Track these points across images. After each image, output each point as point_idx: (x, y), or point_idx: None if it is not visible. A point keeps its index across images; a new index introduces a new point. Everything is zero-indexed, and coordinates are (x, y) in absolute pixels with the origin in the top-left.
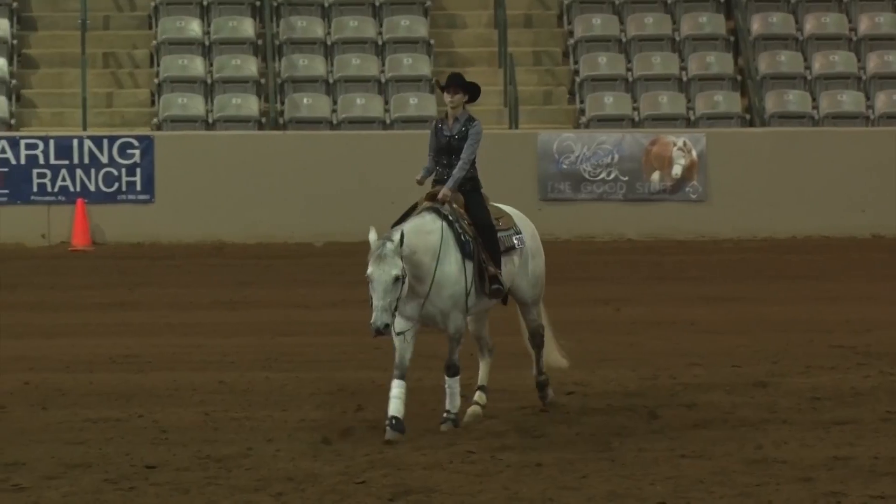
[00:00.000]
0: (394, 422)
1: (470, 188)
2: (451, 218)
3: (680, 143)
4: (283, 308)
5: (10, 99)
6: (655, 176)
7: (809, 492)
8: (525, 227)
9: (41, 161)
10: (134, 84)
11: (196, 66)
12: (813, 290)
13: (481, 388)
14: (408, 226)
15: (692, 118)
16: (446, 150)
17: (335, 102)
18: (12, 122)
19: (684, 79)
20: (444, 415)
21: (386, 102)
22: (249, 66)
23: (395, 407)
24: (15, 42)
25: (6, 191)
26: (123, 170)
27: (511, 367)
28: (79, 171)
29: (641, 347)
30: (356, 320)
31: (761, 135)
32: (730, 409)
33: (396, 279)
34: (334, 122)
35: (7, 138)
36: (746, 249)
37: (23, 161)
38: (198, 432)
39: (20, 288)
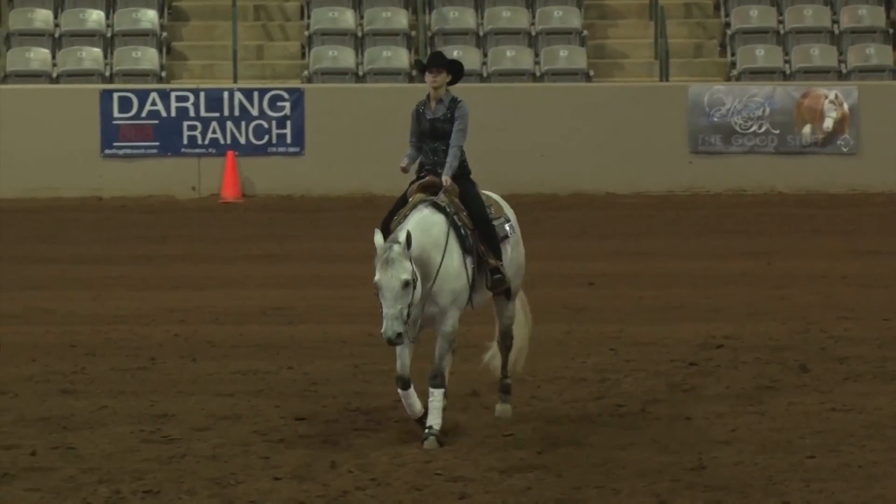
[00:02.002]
0: (431, 428)
1: (460, 174)
2: (449, 210)
3: (831, 96)
4: None
5: (160, 52)
6: (807, 129)
7: None
8: (511, 215)
9: (192, 114)
10: (284, 37)
11: (346, 18)
12: None
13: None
14: (411, 223)
15: (844, 71)
16: (430, 134)
17: (485, 55)
18: (163, 74)
19: (836, 31)
20: (427, 430)
21: (536, 55)
22: (400, 18)
23: (417, 409)
24: None
25: (157, 143)
26: (273, 122)
27: (657, 322)
28: (229, 124)
29: (792, 301)
30: None
31: None
32: (880, 363)
33: (406, 284)
34: (484, 74)
35: (158, 91)
36: None
37: (173, 114)
38: (347, 384)
39: (170, 240)
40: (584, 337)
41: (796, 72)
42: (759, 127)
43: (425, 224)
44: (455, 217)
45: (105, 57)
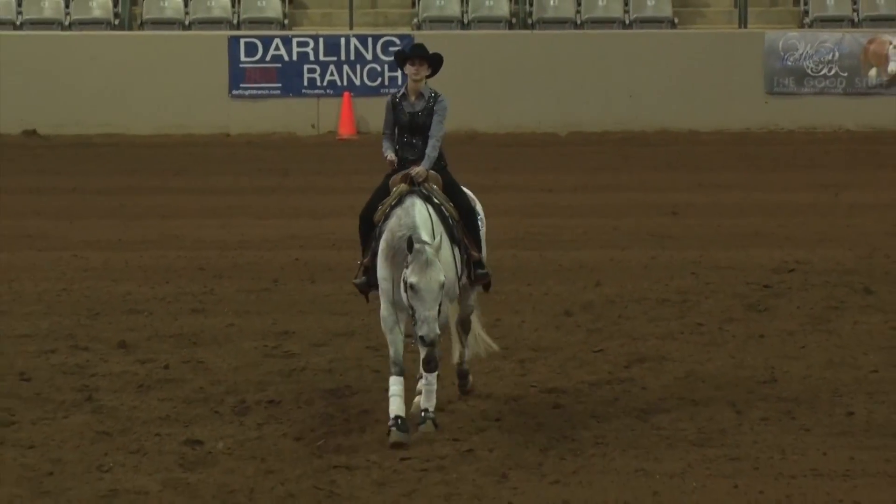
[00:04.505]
0: (399, 422)
1: (439, 167)
2: (436, 201)
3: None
4: (530, 192)
5: (283, 1)
6: (872, 72)
7: None
8: (480, 209)
9: (311, 58)
10: None
11: None
12: None
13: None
14: (417, 218)
15: None
16: (409, 127)
17: (579, 4)
18: (285, 21)
19: None
20: (423, 414)
21: (626, 3)
22: None
23: (397, 406)
24: None
25: (279, 85)
26: (386, 66)
27: (734, 248)
28: (345, 67)
29: (858, 229)
30: (599, 204)
31: None
32: None
33: (442, 285)
34: (578, 21)
35: (280, 37)
36: None
37: (295, 58)
38: None
39: (292, 173)
40: (667, 261)
41: (863, 19)
42: (829, 70)
43: (422, 215)
44: (442, 208)
45: (233, 5)
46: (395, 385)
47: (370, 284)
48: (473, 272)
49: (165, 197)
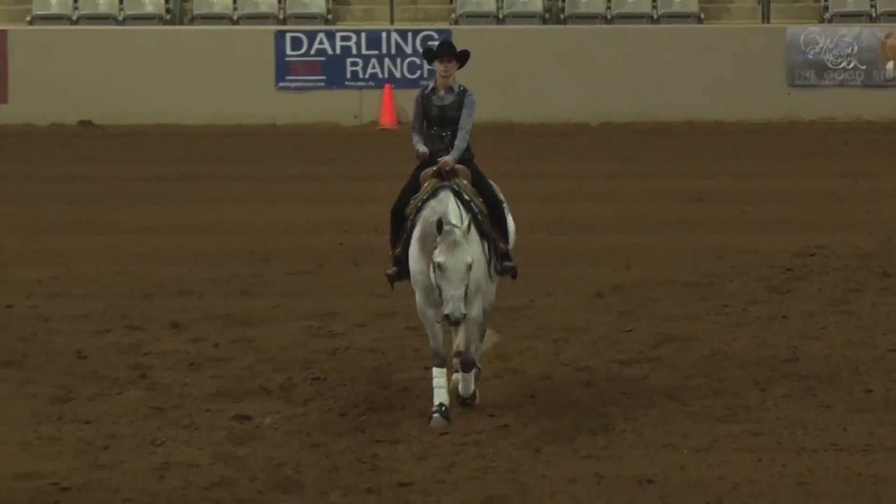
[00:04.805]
0: (442, 409)
1: (467, 159)
2: (466, 197)
3: None
4: (562, 179)
5: None
6: (889, 65)
7: None
8: (503, 196)
9: (354, 51)
10: None
11: None
12: None
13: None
14: (449, 206)
15: None
16: (439, 120)
17: (609, 0)
18: (329, 17)
19: None
20: (457, 399)
21: (654, 0)
22: None
23: (441, 395)
24: None
25: (324, 77)
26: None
27: (758, 233)
28: (386, 60)
29: (876, 214)
30: (628, 191)
31: None
32: None
33: (469, 267)
34: (608, 17)
35: (325, 31)
36: None
37: (338, 51)
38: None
39: (335, 161)
40: (694, 246)
41: (881, 15)
42: (848, 63)
43: (452, 208)
44: (472, 204)
45: (279, 1)
46: (439, 377)
47: (401, 275)
48: (500, 264)
49: (215, 184)
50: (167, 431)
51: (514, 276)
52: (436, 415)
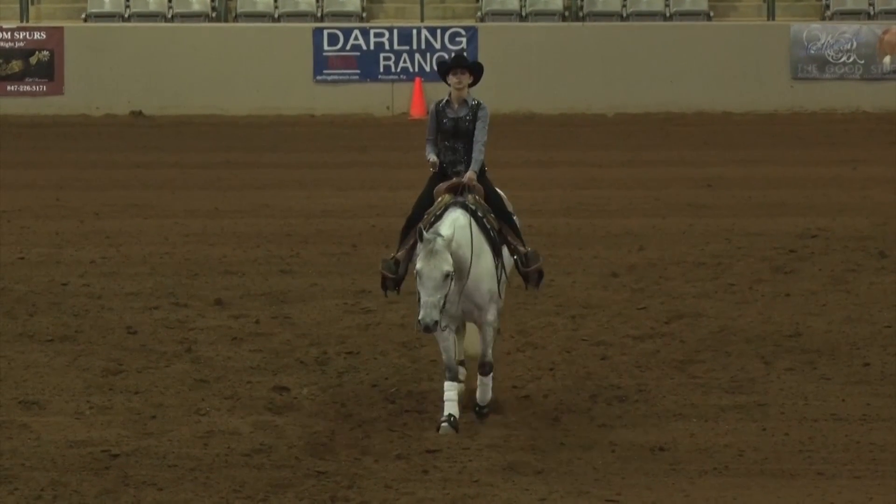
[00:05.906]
0: (451, 419)
1: (481, 171)
2: (479, 214)
3: None
4: (581, 166)
5: None
6: (887, 59)
7: None
8: (511, 207)
9: (386, 47)
10: None
11: None
12: None
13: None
14: (447, 221)
15: None
16: (452, 132)
17: None
18: (363, 14)
19: None
20: (476, 409)
21: None
22: None
23: (451, 408)
24: None
25: (358, 71)
26: (453, 54)
27: (763, 216)
28: (417, 55)
29: (874, 199)
30: (642, 177)
31: None
32: None
33: (447, 276)
34: (624, 14)
35: (359, 28)
36: None
37: (372, 47)
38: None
39: (369, 150)
40: (703, 228)
41: (879, 12)
42: (848, 58)
43: (458, 224)
44: (484, 220)
45: (317, 0)
46: (450, 390)
47: (397, 284)
48: (522, 268)
49: (257, 171)
50: (211, 402)
51: (541, 277)
52: (444, 424)
